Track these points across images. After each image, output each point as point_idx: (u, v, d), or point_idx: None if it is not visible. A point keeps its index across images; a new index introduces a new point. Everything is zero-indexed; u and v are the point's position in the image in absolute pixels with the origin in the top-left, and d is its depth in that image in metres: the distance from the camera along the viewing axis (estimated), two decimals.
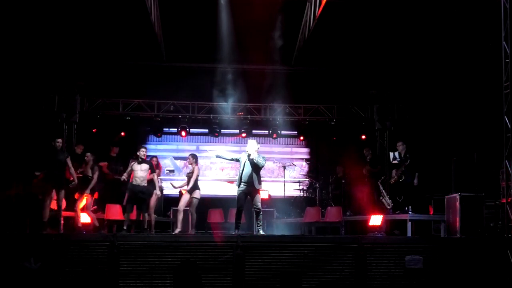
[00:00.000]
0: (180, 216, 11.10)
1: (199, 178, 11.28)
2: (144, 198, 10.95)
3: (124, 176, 11.22)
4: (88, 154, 11.70)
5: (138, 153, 11.04)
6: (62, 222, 10.96)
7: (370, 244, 9.27)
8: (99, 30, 13.59)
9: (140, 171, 10.94)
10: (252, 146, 10.38)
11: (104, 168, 13.04)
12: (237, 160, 10.58)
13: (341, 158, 14.60)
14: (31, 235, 9.93)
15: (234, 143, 16.19)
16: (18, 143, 12.98)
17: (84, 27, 13.32)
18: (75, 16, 12.84)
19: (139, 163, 10.98)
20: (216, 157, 11.03)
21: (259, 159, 10.29)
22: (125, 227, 10.83)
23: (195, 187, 11.15)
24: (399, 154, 12.34)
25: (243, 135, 15.52)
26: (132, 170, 11.03)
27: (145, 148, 11.33)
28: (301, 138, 16.36)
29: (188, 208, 11.20)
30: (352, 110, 15.51)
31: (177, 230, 10.99)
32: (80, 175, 12.03)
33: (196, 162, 11.31)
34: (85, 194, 11.32)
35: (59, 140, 10.94)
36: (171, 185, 12.04)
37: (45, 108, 14.28)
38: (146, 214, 11.01)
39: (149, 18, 12.97)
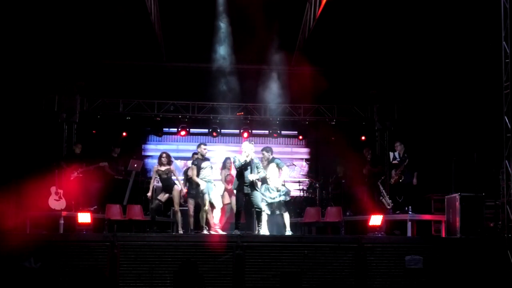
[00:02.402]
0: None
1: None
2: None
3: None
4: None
5: (199, 150, 11.01)
6: (62, 222, 10.97)
7: (370, 244, 9.28)
8: (99, 30, 13.57)
9: (204, 170, 10.88)
10: (249, 149, 10.35)
11: (106, 168, 13.05)
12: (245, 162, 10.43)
13: (341, 158, 14.58)
14: (31, 235, 9.93)
15: (234, 143, 16.16)
16: (18, 143, 12.99)
17: (84, 27, 13.30)
18: (75, 16, 12.82)
19: (202, 160, 10.96)
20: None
21: (260, 173, 10.29)
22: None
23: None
24: (399, 154, 12.36)
25: (245, 135, 15.49)
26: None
27: (205, 144, 11.22)
28: (301, 138, 16.33)
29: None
30: (352, 110, 15.49)
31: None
32: (80, 175, 12.10)
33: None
34: None
35: None
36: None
37: (45, 108, 14.27)
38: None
39: (149, 18, 12.97)
